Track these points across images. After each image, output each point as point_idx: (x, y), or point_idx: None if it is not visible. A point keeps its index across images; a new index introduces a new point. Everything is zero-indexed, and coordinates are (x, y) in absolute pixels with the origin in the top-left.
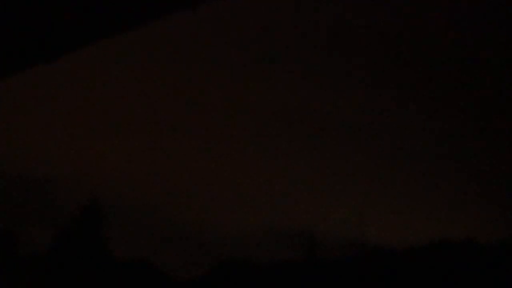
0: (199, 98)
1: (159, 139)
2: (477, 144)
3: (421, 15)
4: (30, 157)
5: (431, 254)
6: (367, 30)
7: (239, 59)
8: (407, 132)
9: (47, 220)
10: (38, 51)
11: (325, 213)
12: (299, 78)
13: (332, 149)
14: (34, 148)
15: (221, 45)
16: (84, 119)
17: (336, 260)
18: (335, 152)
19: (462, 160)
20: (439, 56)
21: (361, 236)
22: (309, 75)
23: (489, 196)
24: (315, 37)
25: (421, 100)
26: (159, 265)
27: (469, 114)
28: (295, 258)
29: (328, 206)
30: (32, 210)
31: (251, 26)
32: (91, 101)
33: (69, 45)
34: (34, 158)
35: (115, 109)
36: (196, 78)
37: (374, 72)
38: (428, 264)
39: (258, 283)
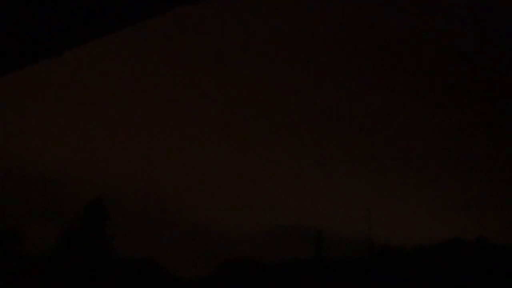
0: (203, 99)
1: (164, 140)
2: (491, 145)
3: (428, 14)
4: (33, 157)
5: (440, 253)
6: (375, 31)
7: (243, 59)
8: (417, 132)
9: (51, 219)
10: (38, 49)
11: (333, 212)
12: (307, 78)
13: (341, 149)
14: (37, 148)
15: (224, 44)
16: (88, 119)
17: (344, 259)
18: (344, 152)
19: (474, 160)
20: (452, 56)
21: (369, 235)
22: (316, 75)
23: (501, 196)
24: (324, 36)
25: (433, 101)
26: (164, 264)
27: (483, 116)
28: (303, 257)
29: (337, 205)
30: (36, 209)
31: (259, 24)
32: (96, 101)
33: (70, 42)
34: (38, 158)
35: (120, 109)
36: (201, 79)
37: (382, 72)
38: (437, 264)
39: (265, 282)
